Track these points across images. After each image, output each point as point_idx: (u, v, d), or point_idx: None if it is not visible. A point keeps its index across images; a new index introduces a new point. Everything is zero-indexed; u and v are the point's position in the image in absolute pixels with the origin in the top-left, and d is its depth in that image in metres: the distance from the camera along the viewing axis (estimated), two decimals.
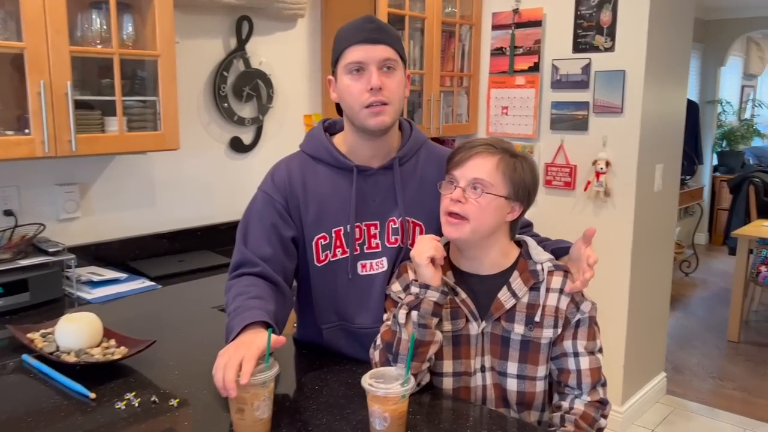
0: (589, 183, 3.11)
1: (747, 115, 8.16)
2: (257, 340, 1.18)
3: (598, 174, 3.06)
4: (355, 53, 1.35)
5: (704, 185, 6.90)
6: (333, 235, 1.44)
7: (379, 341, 1.36)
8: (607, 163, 3.04)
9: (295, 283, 1.55)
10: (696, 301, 5.34)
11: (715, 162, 7.43)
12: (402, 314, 1.29)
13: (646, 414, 3.36)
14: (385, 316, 1.42)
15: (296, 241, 1.46)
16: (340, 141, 1.49)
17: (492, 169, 1.31)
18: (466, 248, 1.37)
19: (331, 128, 1.53)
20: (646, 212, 3.11)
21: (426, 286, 1.29)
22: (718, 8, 6.57)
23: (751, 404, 3.50)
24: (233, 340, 1.22)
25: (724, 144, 7.52)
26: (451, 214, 1.32)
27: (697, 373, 3.90)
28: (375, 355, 1.35)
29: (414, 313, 1.28)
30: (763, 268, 4.02)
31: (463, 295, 1.36)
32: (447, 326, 1.35)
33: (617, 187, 3.04)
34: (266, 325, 1.25)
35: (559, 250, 1.46)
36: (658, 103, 3.07)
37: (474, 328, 1.35)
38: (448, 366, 1.37)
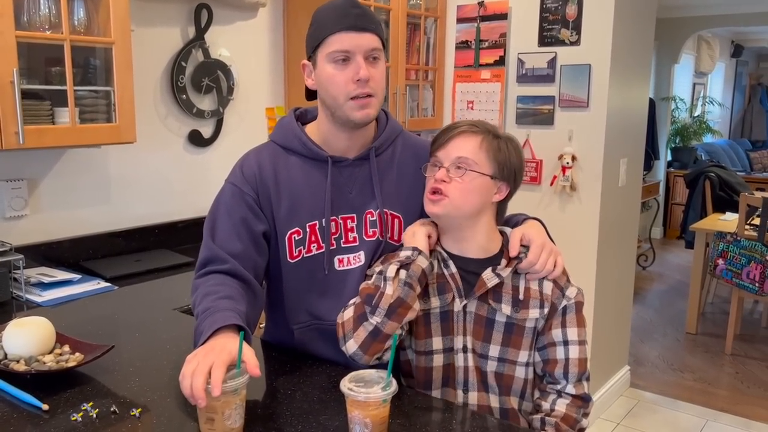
0: (555, 177, 3.10)
1: (698, 111, 8.37)
2: (228, 345, 1.11)
3: (564, 168, 3.05)
4: (342, 41, 1.28)
5: (660, 180, 7.04)
6: (307, 229, 1.37)
7: (353, 300, 1.31)
8: (573, 158, 3.03)
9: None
10: (654, 294, 5.44)
11: (670, 158, 7.59)
12: (392, 269, 1.27)
13: (611, 407, 3.38)
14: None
15: (267, 237, 1.38)
16: (313, 130, 1.41)
17: (475, 147, 1.29)
18: (451, 229, 1.34)
19: (303, 117, 1.46)
20: (610, 207, 3.13)
21: (417, 250, 1.28)
22: (672, 6, 6.70)
23: (711, 394, 3.56)
24: (203, 344, 1.14)
25: (677, 140, 7.70)
26: (433, 191, 1.29)
27: (658, 365, 3.96)
28: (346, 313, 1.29)
29: (403, 272, 1.26)
30: (720, 261, 4.10)
31: (453, 268, 1.33)
32: (435, 302, 1.33)
33: (583, 181, 3.04)
34: (238, 329, 1.18)
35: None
36: (622, 97, 3.08)
37: (457, 305, 1.33)
38: (438, 343, 1.34)
